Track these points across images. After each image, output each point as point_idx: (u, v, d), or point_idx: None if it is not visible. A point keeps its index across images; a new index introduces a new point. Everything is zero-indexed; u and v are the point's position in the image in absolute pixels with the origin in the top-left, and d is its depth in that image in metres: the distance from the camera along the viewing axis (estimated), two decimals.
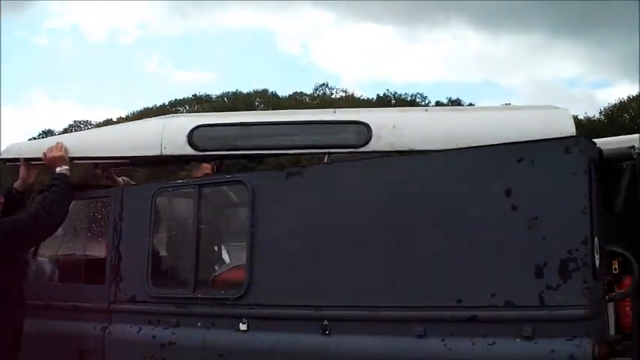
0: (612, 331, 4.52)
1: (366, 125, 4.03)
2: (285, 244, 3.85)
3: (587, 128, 40.08)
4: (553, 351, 3.12)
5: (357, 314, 3.60)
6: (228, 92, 67.16)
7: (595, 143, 3.41)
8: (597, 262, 3.28)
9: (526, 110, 4.27)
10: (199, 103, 63.75)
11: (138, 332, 4.23)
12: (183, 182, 4.40)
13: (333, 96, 65.59)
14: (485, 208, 3.36)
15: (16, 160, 4.77)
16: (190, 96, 67.93)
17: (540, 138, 3.48)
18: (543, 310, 3.18)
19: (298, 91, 68.02)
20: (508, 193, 3.30)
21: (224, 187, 4.26)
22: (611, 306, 4.55)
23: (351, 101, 57.42)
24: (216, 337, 3.96)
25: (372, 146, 3.98)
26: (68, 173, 4.47)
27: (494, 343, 3.24)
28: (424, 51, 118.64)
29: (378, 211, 3.63)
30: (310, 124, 4.22)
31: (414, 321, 3.43)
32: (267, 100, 63.53)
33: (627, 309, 4.45)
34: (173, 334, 4.11)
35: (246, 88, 71.59)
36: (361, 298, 3.60)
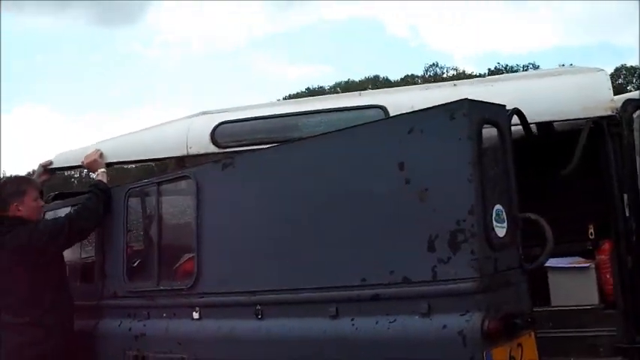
0: (596, 300, 4.31)
1: (384, 109, 4.08)
2: (224, 233, 3.95)
3: None
4: (445, 327, 3.01)
5: (282, 298, 3.62)
6: (341, 82, 66.89)
7: (489, 105, 3.21)
8: (499, 232, 3.11)
9: (558, 76, 4.25)
10: (313, 95, 64.05)
11: (119, 326, 4.48)
12: (146, 182, 4.59)
13: (444, 75, 63.73)
14: (382, 184, 3.29)
15: (66, 168, 5.22)
16: (304, 89, 68.05)
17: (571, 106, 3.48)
18: (437, 284, 3.07)
19: (409, 74, 66.54)
20: (401, 166, 3.20)
21: (179, 184, 4.38)
22: (589, 275, 4.32)
23: (463, 78, 55.73)
24: (175, 326, 4.13)
25: None
26: (104, 178, 4.85)
27: (394, 320, 3.17)
28: (535, 19, 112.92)
29: (293, 196, 3.64)
30: (328, 112, 4.31)
31: (328, 302, 3.41)
32: (379, 85, 62.66)
33: (608, 276, 4.20)
34: (144, 325, 4.32)
35: (358, 77, 71.18)
36: (285, 282, 3.62)
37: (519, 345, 3.11)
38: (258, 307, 3.70)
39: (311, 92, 65.41)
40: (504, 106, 3.32)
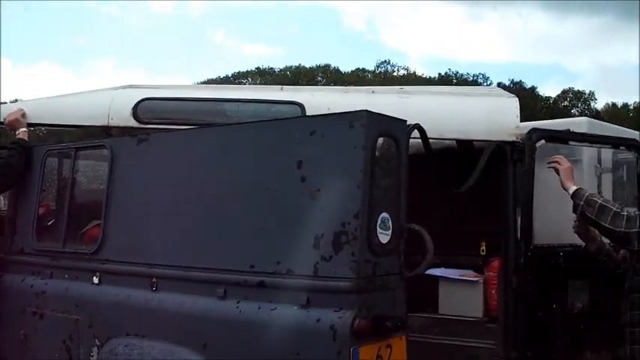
0: (480, 314, 4.57)
1: (301, 106, 4.20)
2: (131, 205, 4.10)
3: None
4: (319, 320, 3.18)
5: (176, 274, 3.78)
6: (292, 66, 66.53)
7: (389, 119, 3.40)
8: (382, 238, 3.31)
9: (472, 97, 4.42)
10: (262, 75, 63.53)
11: (22, 281, 4.59)
12: (64, 145, 4.70)
13: (394, 73, 64.13)
14: (280, 179, 3.46)
15: None
16: (254, 69, 67.33)
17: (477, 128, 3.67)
18: (317, 280, 3.25)
19: (361, 68, 66.33)
20: (299, 164, 3.38)
21: (96, 151, 4.50)
22: (477, 289, 4.57)
23: (412, 79, 56.08)
24: (75, 288, 4.26)
25: None
26: (25, 137, 4.90)
27: (275, 308, 3.35)
28: (489, 30, 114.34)
29: (196, 179, 3.80)
30: (247, 102, 4.43)
31: (218, 283, 3.57)
32: (329, 75, 62.74)
33: (493, 292, 4.45)
34: (46, 284, 4.44)
35: (309, 63, 70.92)
36: (181, 259, 3.78)
37: (389, 346, 3.30)
38: (154, 279, 3.85)
39: (260, 72, 64.91)
40: (405, 120, 3.51)
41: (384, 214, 3.33)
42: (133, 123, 4.63)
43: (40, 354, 4.43)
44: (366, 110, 3.29)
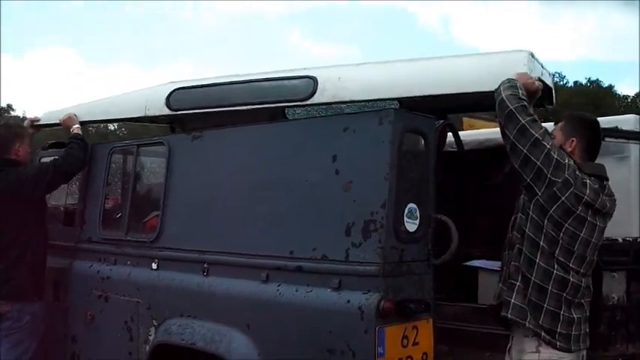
0: None
1: (314, 79, 4.34)
2: (185, 197, 4.46)
3: None
4: (349, 301, 3.47)
5: (225, 259, 4.11)
6: None
7: (417, 115, 3.65)
8: (409, 227, 3.57)
9: (482, 57, 4.33)
10: None
11: (90, 267, 5.02)
12: (127, 142, 5.12)
13: None
14: (317, 172, 3.76)
15: (47, 125, 5.91)
16: None
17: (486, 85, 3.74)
18: (348, 265, 3.54)
19: None
20: (334, 158, 3.67)
21: (155, 147, 4.89)
22: None
23: None
24: (136, 273, 4.65)
25: (316, 99, 4.28)
26: (80, 132, 5.38)
27: (311, 290, 3.64)
28: (565, 28, 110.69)
29: (242, 172, 4.15)
30: (264, 81, 4.63)
31: (261, 268, 3.89)
32: None
33: None
34: (110, 270, 4.85)
35: None
36: (229, 246, 4.12)
37: (415, 328, 3.56)
38: (206, 265, 4.19)
39: None
40: (433, 117, 3.76)
41: (412, 205, 3.59)
42: (167, 111, 4.96)
43: (104, 333, 4.85)
44: (394, 108, 3.58)
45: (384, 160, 3.48)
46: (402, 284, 3.54)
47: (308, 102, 4.32)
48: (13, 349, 5.03)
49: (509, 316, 3.57)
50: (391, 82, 4.17)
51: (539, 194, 3.48)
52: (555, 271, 3.50)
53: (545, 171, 3.44)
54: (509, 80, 3.66)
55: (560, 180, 3.43)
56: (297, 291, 3.69)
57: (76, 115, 5.55)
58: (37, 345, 5.12)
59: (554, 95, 4.30)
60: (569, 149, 3.66)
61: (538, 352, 3.54)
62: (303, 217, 3.77)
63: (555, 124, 3.83)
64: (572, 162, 3.53)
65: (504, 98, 3.56)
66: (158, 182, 4.74)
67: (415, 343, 3.57)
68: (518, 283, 3.58)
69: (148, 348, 4.44)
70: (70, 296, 5.18)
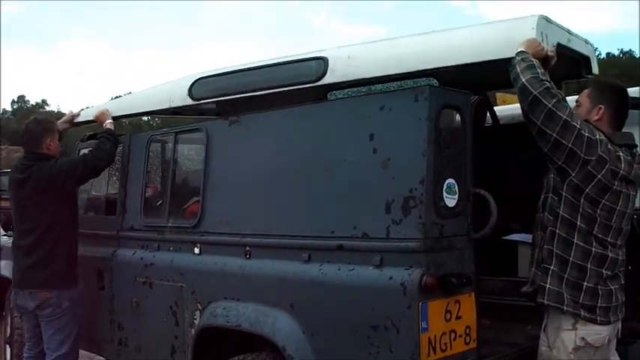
0: None
1: (324, 59, 4.37)
2: (225, 181, 4.52)
3: None
4: (391, 278, 3.50)
5: (267, 242, 4.17)
6: None
7: (452, 92, 3.67)
8: (448, 202, 3.60)
9: (489, 26, 4.19)
10: None
11: (133, 255, 5.11)
12: (165, 130, 5.20)
13: None
14: (355, 151, 3.79)
15: (85, 122, 6.12)
16: None
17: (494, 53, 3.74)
18: (389, 242, 3.57)
19: None
20: (371, 137, 3.70)
21: (192, 134, 4.96)
22: None
23: None
24: (179, 259, 4.73)
25: (327, 79, 4.31)
26: (113, 127, 5.54)
27: (353, 269, 3.68)
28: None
29: (281, 154, 4.19)
30: (277, 66, 4.69)
31: (303, 248, 3.94)
32: None
33: None
34: (153, 256, 4.93)
35: None
36: (270, 229, 4.17)
37: (457, 302, 3.59)
38: (248, 248, 4.25)
39: None
40: (468, 93, 3.78)
41: (450, 180, 3.61)
42: (189, 101, 5.07)
43: (150, 318, 4.95)
44: (430, 85, 3.59)
45: (421, 137, 3.49)
46: (443, 259, 3.56)
47: (318, 83, 4.36)
48: (57, 334, 5.25)
49: (545, 302, 3.60)
50: (398, 58, 4.16)
51: (573, 175, 3.48)
52: (594, 249, 3.52)
53: (579, 152, 3.42)
54: (523, 58, 3.54)
55: (594, 158, 3.41)
56: (339, 270, 3.73)
57: (108, 111, 5.73)
58: (78, 330, 5.35)
59: (593, 63, 4.27)
60: (597, 117, 3.65)
61: (575, 329, 3.56)
62: (342, 197, 3.80)
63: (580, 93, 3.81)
64: (602, 136, 3.49)
65: (525, 84, 3.48)
66: (197, 168, 4.80)
67: (458, 317, 3.60)
68: (552, 267, 3.60)
69: (193, 331, 4.52)
70: (115, 284, 5.29)
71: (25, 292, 5.30)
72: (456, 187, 3.64)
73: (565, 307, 3.53)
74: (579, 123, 3.45)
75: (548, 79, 3.53)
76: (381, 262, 3.58)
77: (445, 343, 3.52)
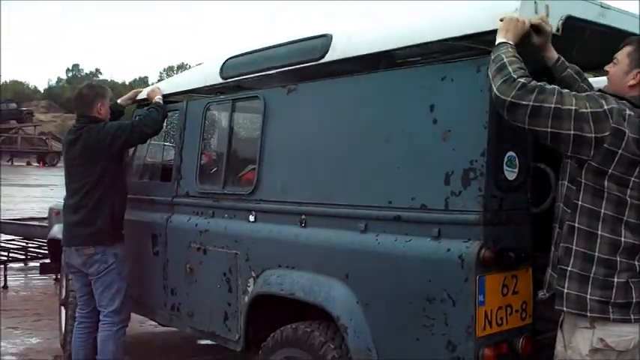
0: None
1: (328, 36, 4.34)
2: (281, 150, 4.52)
3: None
4: (449, 250, 3.47)
5: (323, 211, 4.17)
6: None
7: None
8: (509, 175, 3.55)
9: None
10: None
11: (187, 221, 5.17)
12: (223, 98, 5.22)
13: None
14: (415, 122, 3.75)
15: (142, 100, 6.27)
16: None
17: (480, 27, 3.50)
18: (448, 213, 3.54)
19: None
20: (432, 108, 3.65)
21: (250, 102, 4.97)
22: None
23: None
24: (234, 226, 4.76)
25: (328, 57, 4.28)
26: (161, 101, 5.70)
27: (410, 240, 3.67)
28: None
29: (339, 124, 4.17)
30: (284, 45, 4.70)
31: (359, 218, 3.93)
32: None
33: None
34: (208, 223, 4.98)
35: None
36: (327, 198, 4.17)
37: (514, 277, 3.54)
38: (303, 216, 4.26)
39: None
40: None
41: (511, 153, 3.55)
42: (220, 80, 5.14)
43: (203, 284, 5.01)
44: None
45: (483, 109, 3.44)
46: (501, 233, 3.51)
47: (322, 61, 4.31)
48: (107, 291, 5.45)
49: (564, 309, 3.19)
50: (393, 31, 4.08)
51: (590, 158, 3.06)
52: (624, 239, 3.08)
53: (587, 134, 3.01)
54: (494, 57, 3.24)
55: (607, 133, 2.99)
56: (395, 240, 3.71)
57: (159, 89, 5.91)
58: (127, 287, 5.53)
59: None
60: (633, 82, 3.18)
61: (593, 327, 3.13)
62: (401, 167, 3.77)
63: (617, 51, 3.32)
64: (613, 103, 3.05)
65: (497, 94, 3.14)
66: (254, 136, 4.81)
67: (515, 292, 3.56)
68: (570, 268, 3.18)
69: (247, 299, 4.57)
70: (169, 249, 5.37)
71: (71, 250, 5.51)
72: (517, 160, 3.58)
73: (588, 313, 3.09)
74: (573, 101, 3.02)
75: (523, 68, 3.16)
76: (439, 234, 3.55)
77: (501, 318, 3.48)
